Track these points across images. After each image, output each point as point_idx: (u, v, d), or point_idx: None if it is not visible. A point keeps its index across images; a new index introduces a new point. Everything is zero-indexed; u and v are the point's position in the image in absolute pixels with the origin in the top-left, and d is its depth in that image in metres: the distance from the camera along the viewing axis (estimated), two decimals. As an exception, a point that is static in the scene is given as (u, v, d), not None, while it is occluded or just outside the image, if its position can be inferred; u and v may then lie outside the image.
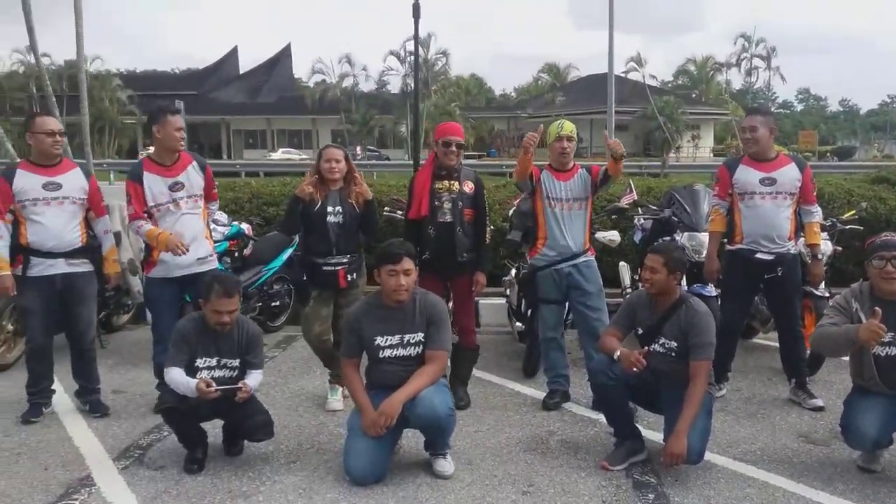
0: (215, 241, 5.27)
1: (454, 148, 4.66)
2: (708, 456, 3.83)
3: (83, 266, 4.50)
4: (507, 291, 6.41)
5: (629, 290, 6.42)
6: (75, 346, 4.66)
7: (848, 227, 6.14)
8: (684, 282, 4.78)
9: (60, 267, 4.41)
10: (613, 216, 6.86)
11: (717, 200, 4.94)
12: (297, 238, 6.25)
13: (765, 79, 56.30)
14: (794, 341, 4.87)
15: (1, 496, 3.50)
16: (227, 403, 3.74)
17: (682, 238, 5.67)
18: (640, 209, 6.65)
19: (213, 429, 3.95)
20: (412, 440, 4.00)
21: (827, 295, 5.18)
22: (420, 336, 3.79)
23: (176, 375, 3.73)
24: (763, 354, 5.93)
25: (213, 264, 4.72)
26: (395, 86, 53.23)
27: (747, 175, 4.76)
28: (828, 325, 3.69)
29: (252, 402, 3.83)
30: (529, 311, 5.55)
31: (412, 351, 3.80)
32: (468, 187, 4.72)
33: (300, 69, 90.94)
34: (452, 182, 4.68)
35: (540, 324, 4.98)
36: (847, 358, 3.89)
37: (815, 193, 4.93)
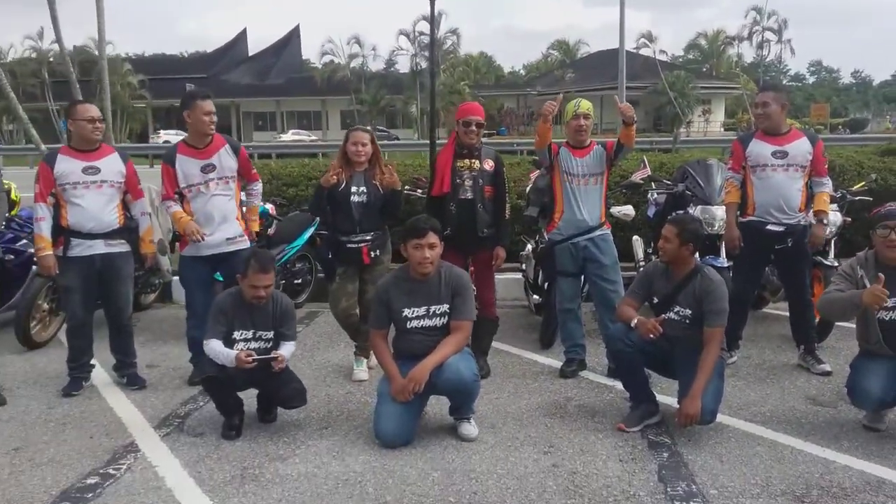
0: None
1: (474, 127, 4.82)
2: (719, 418, 4.01)
3: (121, 246, 4.71)
4: (524, 266, 6.59)
5: (642, 264, 6.58)
6: (114, 323, 4.88)
7: (858, 198, 6.27)
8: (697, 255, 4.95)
9: (99, 247, 4.62)
10: (627, 191, 7.00)
11: (731, 173, 5.10)
12: (318, 218, 6.46)
13: (776, 52, 55.93)
14: (804, 309, 5.04)
15: (52, 462, 3.73)
16: (263, 373, 3.96)
17: (695, 211, 5.82)
18: (653, 184, 6.78)
19: (248, 398, 4.17)
20: (436, 407, 4.20)
21: (836, 265, 5.34)
22: (445, 307, 3.98)
23: (216, 346, 3.94)
24: (773, 323, 6.10)
25: (244, 244, 4.81)
26: (404, 65, 53.21)
27: (760, 148, 4.91)
28: (834, 291, 3.87)
29: (286, 371, 4.04)
30: (546, 284, 5.74)
31: (438, 321, 3.99)
32: (488, 165, 4.89)
33: (309, 51, 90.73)
34: (473, 160, 4.85)
35: (557, 296, 5.16)
36: (854, 325, 4.07)
37: (826, 166, 5.07)
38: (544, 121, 4.72)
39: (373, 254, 4.82)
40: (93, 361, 4.94)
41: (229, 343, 4.02)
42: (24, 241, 6.10)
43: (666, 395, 4.29)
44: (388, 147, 26.32)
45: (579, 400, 4.52)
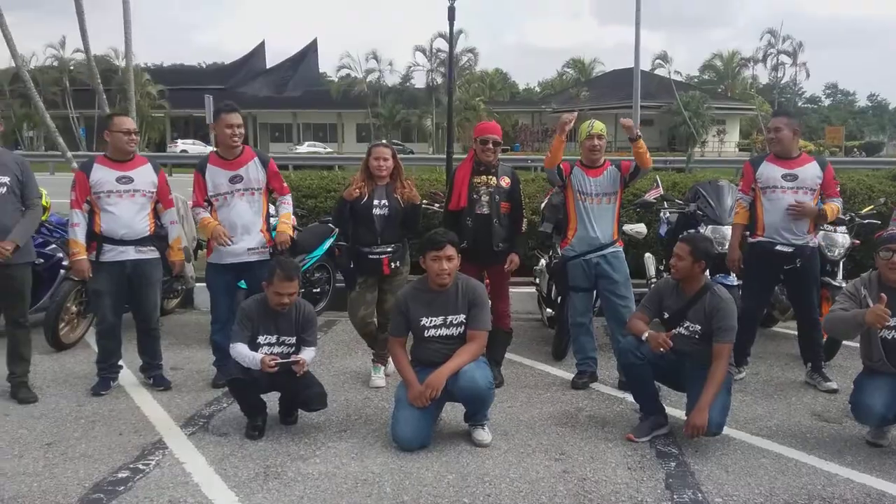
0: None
1: (491, 145, 5.00)
2: (726, 431, 4.15)
3: (150, 253, 4.91)
4: (538, 280, 6.74)
5: (654, 281, 6.71)
6: (142, 326, 5.08)
7: (866, 221, 6.39)
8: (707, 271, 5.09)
9: (130, 254, 4.82)
10: (640, 210, 7.14)
11: (741, 195, 5.25)
12: (337, 229, 6.63)
13: (791, 74, 56.04)
14: (811, 328, 5.16)
15: (84, 457, 3.90)
16: (286, 376, 4.12)
17: (705, 231, 5.96)
18: (665, 203, 6.92)
19: (270, 401, 4.33)
20: (452, 413, 4.35)
21: (844, 285, 5.45)
22: (462, 317, 4.14)
23: (241, 349, 4.12)
24: (782, 342, 6.22)
25: (266, 256, 4.97)
26: (420, 80, 53.63)
27: (770, 171, 5.06)
28: (838, 310, 4.01)
29: (308, 375, 4.21)
30: (559, 298, 5.89)
31: (454, 331, 4.15)
32: (505, 182, 5.06)
33: (325, 64, 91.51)
34: (490, 177, 5.02)
35: (570, 310, 5.31)
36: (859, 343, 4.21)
37: (838, 189, 5.21)
38: (560, 133, 4.90)
39: (393, 265, 4.99)
40: (120, 362, 5.13)
41: (254, 347, 4.19)
42: (53, 245, 6.30)
43: (675, 408, 4.42)
44: (403, 161, 26.26)
45: (590, 410, 4.65)
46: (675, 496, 3.48)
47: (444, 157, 10.34)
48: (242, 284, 5.18)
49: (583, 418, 4.51)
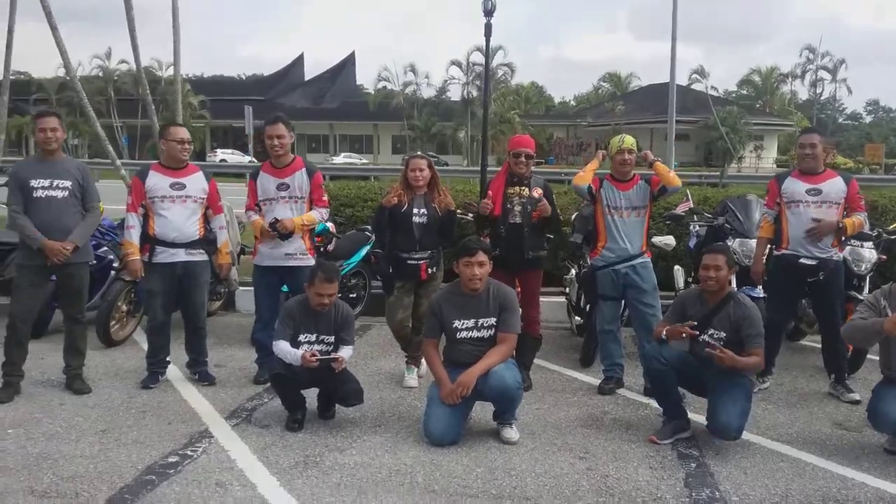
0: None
1: (524, 158, 5.23)
2: (746, 436, 4.29)
3: (200, 256, 5.20)
4: (567, 289, 6.92)
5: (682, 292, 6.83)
6: (190, 324, 5.37)
7: (894, 237, 6.46)
8: (734, 283, 5.24)
9: (181, 256, 5.11)
10: (670, 223, 7.28)
11: (766, 209, 5.39)
12: (373, 237, 6.88)
13: (831, 90, 55.43)
14: (835, 340, 5.25)
15: (136, 443, 4.18)
16: (325, 372, 4.37)
17: (733, 244, 6.09)
18: (695, 217, 7.05)
19: (309, 397, 4.57)
20: (481, 413, 4.55)
21: (867, 298, 5.54)
22: (493, 321, 4.36)
23: (284, 346, 4.38)
24: (809, 354, 6.30)
25: (305, 262, 5.20)
26: (455, 94, 54.04)
27: (795, 186, 5.20)
28: (858, 319, 4.14)
29: (345, 372, 4.45)
30: (588, 307, 6.06)
31: (485, 333, 4.36)
32: (537, 193, 5.27)
33: (363, 77, 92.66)
34: (523, 188, 5.24)
35: (598, 318, 5.49)
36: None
37: (863, 203, 5.32)
38: (598, 160, 5.13)
39: (430, 270, 5.22)
40: (168, 358, 5.42)
41: (295, 345, 4.45)
42: (105, 248, 6.64)
43: (697, 414, 4.57)
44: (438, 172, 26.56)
45: (615, 414, 4.82)
46: (693, 494, 3.64)
47: (479, 169, 10.55)
48: (285, 288, 5.45)
49: (608, 421, 4.68)
